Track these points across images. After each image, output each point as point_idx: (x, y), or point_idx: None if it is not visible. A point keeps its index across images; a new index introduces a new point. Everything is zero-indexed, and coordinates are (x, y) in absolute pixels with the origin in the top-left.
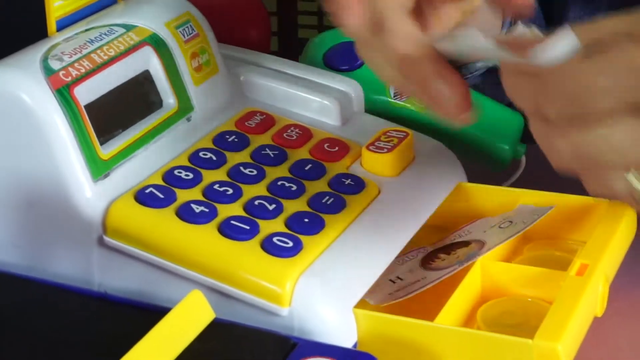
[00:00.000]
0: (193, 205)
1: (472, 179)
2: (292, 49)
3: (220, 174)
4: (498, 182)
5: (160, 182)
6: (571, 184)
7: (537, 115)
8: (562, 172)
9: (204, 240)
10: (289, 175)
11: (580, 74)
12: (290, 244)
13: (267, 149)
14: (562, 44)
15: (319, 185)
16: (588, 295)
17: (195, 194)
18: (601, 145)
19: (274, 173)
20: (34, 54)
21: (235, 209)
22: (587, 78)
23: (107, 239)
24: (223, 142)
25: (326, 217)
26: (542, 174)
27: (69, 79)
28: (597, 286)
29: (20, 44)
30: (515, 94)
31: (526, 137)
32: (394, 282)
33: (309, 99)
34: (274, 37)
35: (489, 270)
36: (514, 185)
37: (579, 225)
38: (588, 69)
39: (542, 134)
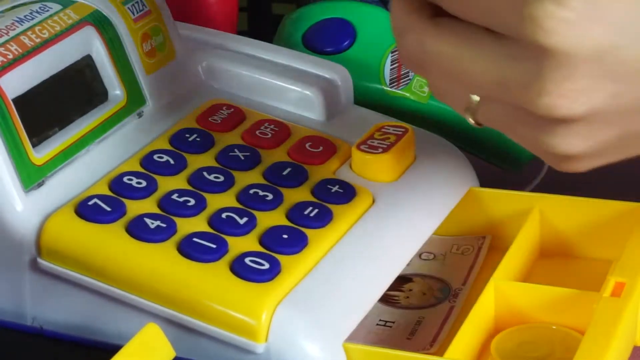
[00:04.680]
0: (147, 220)
1: (485, 182)
2: (264, 27)
3: (179, 181)
4: (516, 186)
5: (107, 192)
6: (602, 187)
7: None
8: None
9: (160, 262)
10: (263, 181)
11: None
12: (266, 265)
13: (236, 150)
14: None
15: (300, 194)
16: (627, 320)
17: (149, 205)
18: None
19: (244, 179)
20: None
21: (198, 224)
22: None
23: (41, 261)
24: (182, 142)
25: (309, 233)
26: (567, 176)
27: None
28: (637, 309)
29: None
30: None
31: None
32: (387, 326)
33: (286, 89)
34: (242, 13)
35: (504, 293)
36: (535, 189)
37: (610, 236)
38: None
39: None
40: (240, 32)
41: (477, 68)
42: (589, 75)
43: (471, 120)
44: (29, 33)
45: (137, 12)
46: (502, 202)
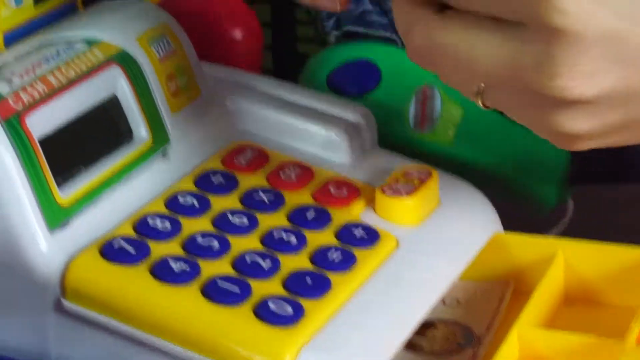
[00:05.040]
0: (171, 262)
1: (509, 227)
2: (289, 67)
3: (203, 223)
4: (541, 231)
5: (131, 233)
6: (630, 231)
7: None
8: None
9: (184, 304)
10: (287, 224)
11: None
12: (290, 309)
13: (260, 192)
14: None
15: (324, 237)
16: None
17: (173, 247)
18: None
19: (268, 221)
20: None
21: (222, 267)
22: None
23: (66, 302)
24: (207, 184)
25: (333, 277)
26: (593, 220)
27: (20, 106)
28: None
29: None
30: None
31: (574, 175)
32: None
33: (311, 131)
34: (267, 52)
35: (527, 339)
36: (560, 233)
37: (635, 283)
38: None
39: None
40: (265, 71)
41: (487, 55)
42: (600, 58)
43: (480, 104)
44: (55, 72)
45: (163, 52)
46: (526, 247)
